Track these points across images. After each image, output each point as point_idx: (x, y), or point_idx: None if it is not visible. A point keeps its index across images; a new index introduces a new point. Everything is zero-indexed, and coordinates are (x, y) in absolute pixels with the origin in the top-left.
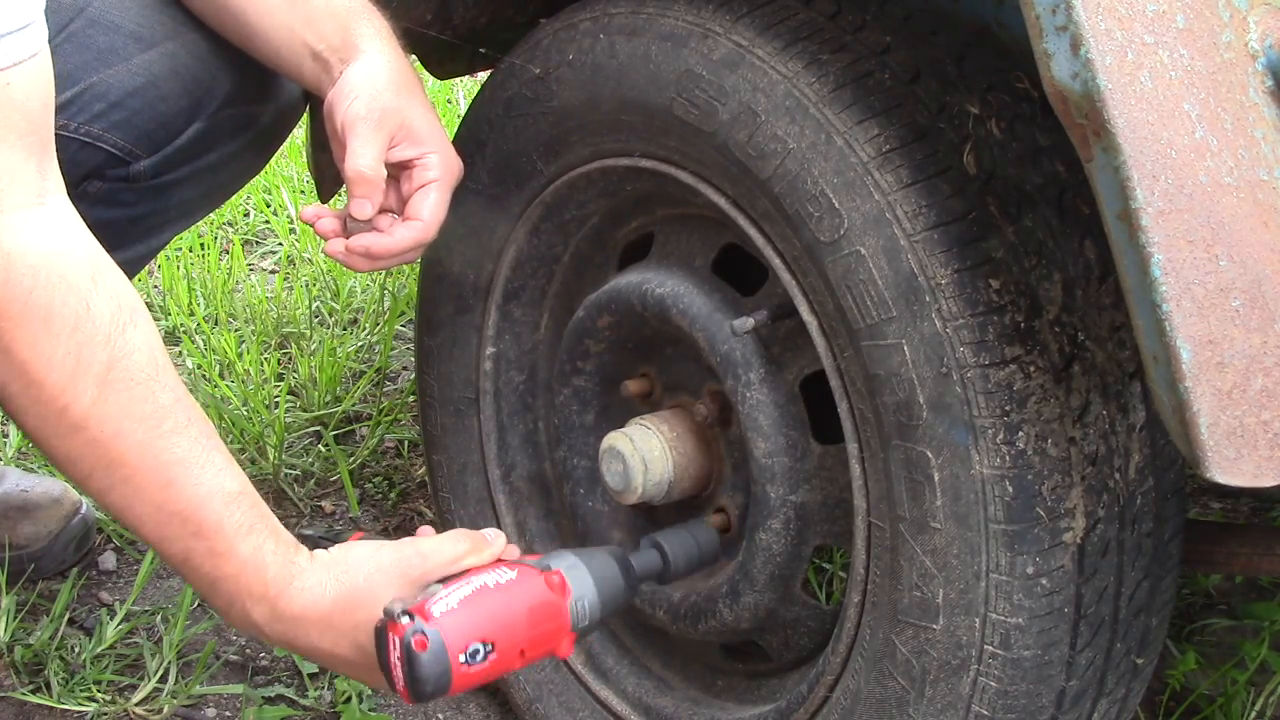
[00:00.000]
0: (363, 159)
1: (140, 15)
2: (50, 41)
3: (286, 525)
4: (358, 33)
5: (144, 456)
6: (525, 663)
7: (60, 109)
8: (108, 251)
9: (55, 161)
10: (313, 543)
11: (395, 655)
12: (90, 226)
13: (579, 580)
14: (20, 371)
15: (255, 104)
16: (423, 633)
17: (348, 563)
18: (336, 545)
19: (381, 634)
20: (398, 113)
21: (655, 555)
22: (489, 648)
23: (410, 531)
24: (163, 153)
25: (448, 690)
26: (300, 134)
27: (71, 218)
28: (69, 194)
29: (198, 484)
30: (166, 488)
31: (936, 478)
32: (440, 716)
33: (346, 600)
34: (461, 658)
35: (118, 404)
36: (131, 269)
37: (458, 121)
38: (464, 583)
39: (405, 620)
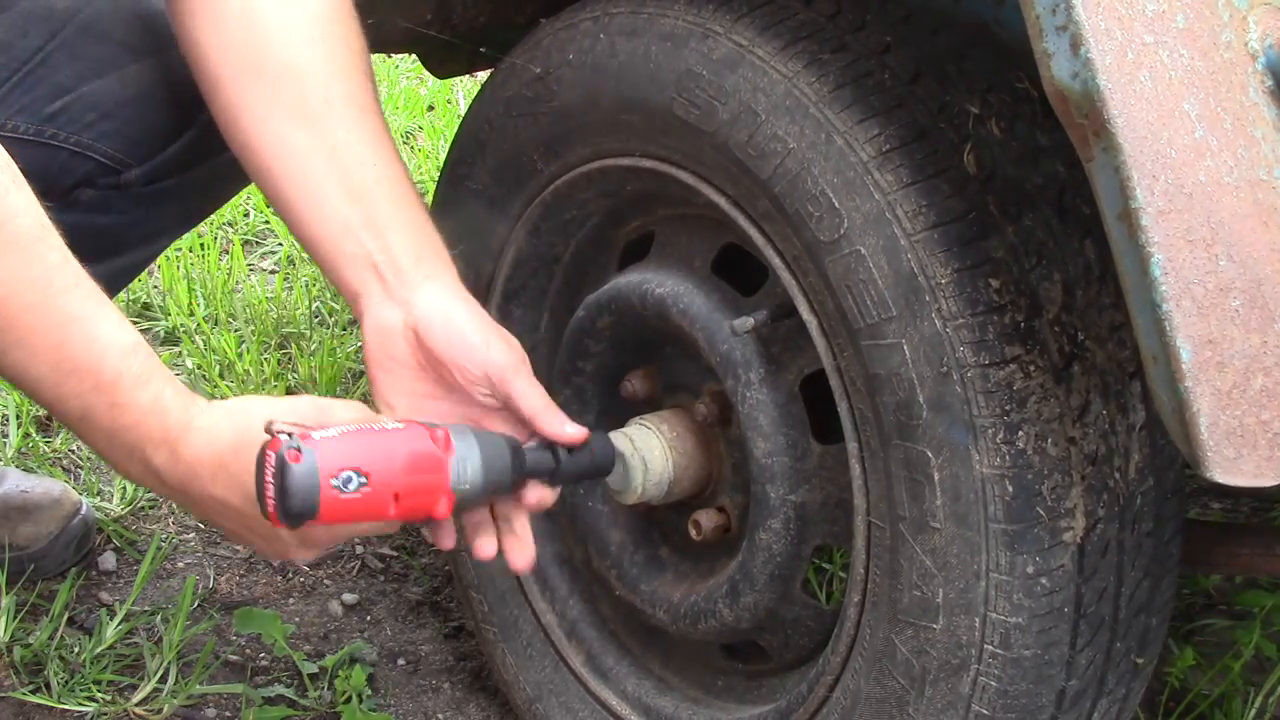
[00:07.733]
0: (548, 411)
1: (132, 25)
2: (43, 47)
3: None
4: (436, 256)
5: (37, 317)
6: (400, 514)
7: (51, 118)
8: (105, 257)
9: None
10: None
11: (270, 471)
12: (86, 232)
13: (465, 444)
14: None
15: None
16: (298, 449)
17: (245, 410)
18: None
19: (261, 454)
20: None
21: (548, 455)
22: (363, 479)
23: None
24: (153, 162)
25: (315, 513)
26: None
27: None
28: (60, 201)
29: (93, 339)
30: (61, 346)
31: (936, 477)
32: (440, 717)
33: (242, 444)
34: (333, 481)
35: (6, 267)
36: (130, 274)
37: (457, 122)
38: (351, 425)
39: (285, 437)
